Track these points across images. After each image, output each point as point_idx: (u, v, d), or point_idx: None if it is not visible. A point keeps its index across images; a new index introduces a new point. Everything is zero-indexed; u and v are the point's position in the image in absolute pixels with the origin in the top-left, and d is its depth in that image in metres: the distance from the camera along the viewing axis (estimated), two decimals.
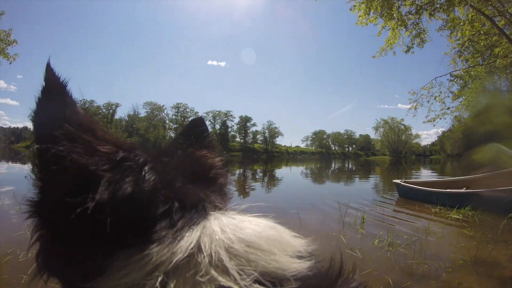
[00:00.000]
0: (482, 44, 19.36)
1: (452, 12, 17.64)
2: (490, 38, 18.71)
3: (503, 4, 15.96)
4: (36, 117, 0.65)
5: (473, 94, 21.25)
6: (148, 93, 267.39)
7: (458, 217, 8.90)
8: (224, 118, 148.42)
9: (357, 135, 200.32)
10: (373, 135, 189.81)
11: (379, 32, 17.72)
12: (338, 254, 0.62)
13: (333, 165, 61.30)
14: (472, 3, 15.58)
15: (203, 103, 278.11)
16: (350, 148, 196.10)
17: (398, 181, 13.40)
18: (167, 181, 0.67)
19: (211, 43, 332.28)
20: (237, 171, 31.96)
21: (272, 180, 23.17)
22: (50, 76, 0.68)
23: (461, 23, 18.49)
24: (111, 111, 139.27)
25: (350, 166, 57.45)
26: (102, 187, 0.58)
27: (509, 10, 15.97)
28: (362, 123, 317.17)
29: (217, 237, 0.58)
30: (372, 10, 16.14)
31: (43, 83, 0.67)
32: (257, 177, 26.30)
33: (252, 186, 18.37)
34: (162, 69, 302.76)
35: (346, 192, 16.36)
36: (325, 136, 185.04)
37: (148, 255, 0.55)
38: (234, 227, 0.61)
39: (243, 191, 15.47)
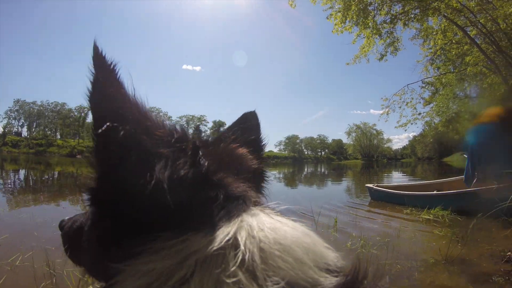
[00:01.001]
0: (453, 52, 19.86)
1: (425, 22, 18.18)
2: (462, 47, 19.23)
3: (475, 15, 16.48)
4: (95, 97, 0.65)
5: (444, 100, 22.03)
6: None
7: (428, 217, 9.07)
8: (198, 123, 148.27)
9: (329, 140, 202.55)
10: (345, 139, 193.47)
11: (354, 40, 18.04)
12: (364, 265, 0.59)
13: (306, 169, 61.57)
14: (445, 14, 15.98)
15: (177, 108, 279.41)
16: (323, 153, 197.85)
17: (370, 185, 13.60)
18: (217, 169, 0.68)
19: (186, 47, 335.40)
20: None
21: None
22: (100, 56, 0.68)
23: (434, 33, 19.05)
24: (83, 114, 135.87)
25: (322, 170, 57.84)
26: (160, 166, 0.59)
27: (480, 21, 16.43)
28: (335, 128, 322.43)
29: (254, 233, 0.57)
30: (348, 19, 16.40)
31: (95, 62, 0.67)
32: None
33: None
34: (136, 73, 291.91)
35: (319, 196, 16.47)
36: (298, 141, 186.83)
37: (184, 241, 0.55)
38: (272, 227, 0.59)
39: None
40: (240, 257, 0.52)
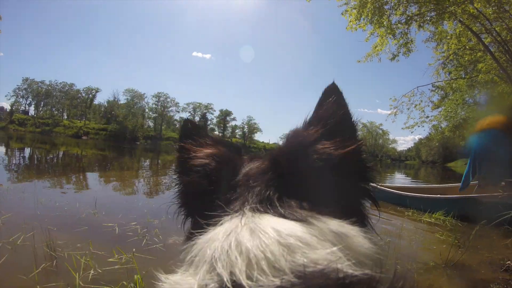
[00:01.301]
0: (466, 58, 19.52)
1: (440, 26, 17.93)
2: (475, 54, 18.90)
3: (491, 22, 16.18)
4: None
5: (453, 105, 21.65)
6: (129, 80, 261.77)
7: (430, 220, 9.13)
8: (205, 111, 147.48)
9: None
10: None
11: (367, 38, 17.79)
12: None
13: None
14: (461, 19, 15.74)
15: (185, 94, 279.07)
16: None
17: (373, 184, 13.37)
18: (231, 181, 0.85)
19: (197, 34, 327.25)
20: None
21: None
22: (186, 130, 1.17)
23: (448, 37, 18.74)
24: (90, 96, 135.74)
25: None
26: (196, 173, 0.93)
27: (496, 29, 16.17)
28: None
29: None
30: (363, 16, 16.17)
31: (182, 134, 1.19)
32: None
33: None
34: (145, 57, 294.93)
35: None
36: None
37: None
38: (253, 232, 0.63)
39: None
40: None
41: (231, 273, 0.55)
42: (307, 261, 0.55)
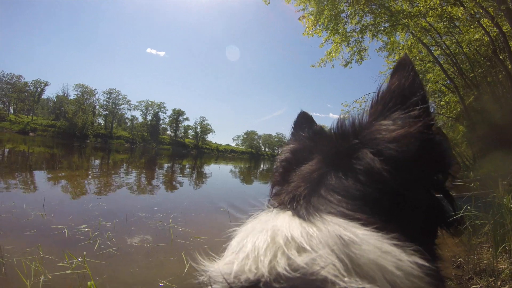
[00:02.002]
0: (416, 68, 20.02)
1: (393, 36, 18.54)
2: (424, 64, 20.22)
3: (441, 36, 17.23)
4: None
5: None
6: (80, 74, 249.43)
7: None
8: (157, 110, 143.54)
9: (287, 139, 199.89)
10: None
11: (322, 44, 18.04)
12: None
13: (262, 165, 61.82)
14: (413, 31, 16.42)
15: (137, 92, 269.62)
16: (280, 151, 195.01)
17: None
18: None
19: (152, 30, 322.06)
20: (166, 165, 31.57)
21: (203, 177, 23.12)
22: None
23: (400, 47, 19.53)
24: (39, 89, 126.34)
25: None
26: None
27: (446, 42, 17.24)
28: None
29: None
30: (319, 23, 16.37)
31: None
32: (188, 172, 26.01)
33: (180, 181, 18.26)
34: (97, 51, 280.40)
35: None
36: (256, 137, 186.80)
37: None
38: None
39: (171, 186, 15.32)
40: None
41: (229, 269, 0.61)
42: (288, 265, 0.55)
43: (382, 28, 16.34)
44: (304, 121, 1.13)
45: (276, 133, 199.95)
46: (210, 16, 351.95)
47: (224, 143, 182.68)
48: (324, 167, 0.77)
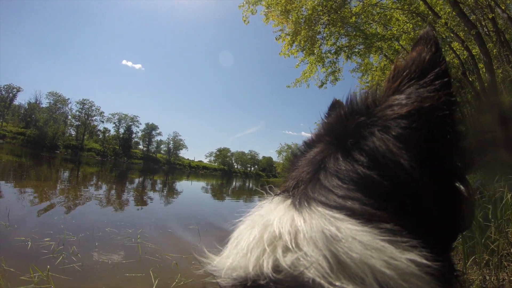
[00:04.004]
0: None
1: (367, 58, 19.26)
2: None
3: None
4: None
5: None
6: (54, 82, 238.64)
7: None
8: (130, 123, 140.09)
9: (260, 157, 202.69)
10: (275, 158, 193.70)
11: (298, 64, 18.35)
12: None
13: (234, 183, 61.97)
14: (386, 53, 16.89)
15: (111, 103, 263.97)
16: (253, 168, 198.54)
17: None
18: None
19: (129, 42, 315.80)
20: (137, 180, 31.21)
21: (173, 193, 22.82)
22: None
23: (373, 69, 20.31)
24: (11, 95, 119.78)
25: (250, 185, 58.30)
26: None
27: None
28: (267, 146, 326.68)
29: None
30: (295, 43, 16.65)
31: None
32: (159, 188, 25.65)
33: (150, 196, 17.97)
34: (73, 59, 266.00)
35: (246, 210, 16.52)
36: (229, 154, 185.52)
37: None
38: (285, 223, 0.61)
39: (141, 202, 15.09)
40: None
41: (226, 263, 0.62)
42: (273, 265, 0.55)
43: (357, 50, 16.81)
44: (333, 107, 1.05)
45: (249, 150, 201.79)
46: (188, 31, 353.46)
47: (196, 159, 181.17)
48: (327, 149, 0.72)
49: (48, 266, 4.73)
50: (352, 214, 0.57)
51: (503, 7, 12.45)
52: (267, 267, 0.54)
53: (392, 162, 0.60)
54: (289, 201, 0.67)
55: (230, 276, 0.58)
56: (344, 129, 0.71)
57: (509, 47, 14.17)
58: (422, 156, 0.62)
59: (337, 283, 0.48)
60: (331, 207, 0.59)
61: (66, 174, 27.38)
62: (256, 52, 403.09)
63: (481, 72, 12.90)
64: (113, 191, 17.93)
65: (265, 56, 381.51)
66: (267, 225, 0.62)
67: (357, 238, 0.52)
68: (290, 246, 0.55)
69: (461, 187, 0.69)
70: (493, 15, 12.81)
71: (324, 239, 0.53)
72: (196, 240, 7.88)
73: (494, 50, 14.20)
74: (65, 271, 5.01)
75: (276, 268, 0.54)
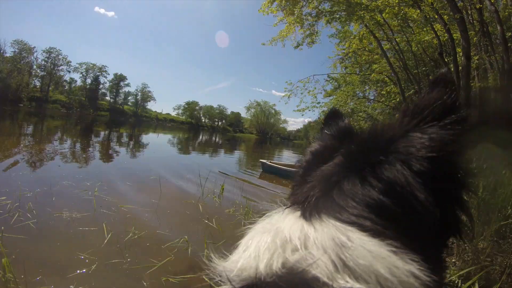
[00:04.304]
0: (364, 58, 21.64)
1: (347, 25, 19.38)
2: (372, 56, 21.16)
3: (393, 32, 18.02)
4: None
5: (343, 96, 24.38)
6: (19, 30, 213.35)
7: None
8: (98, 73, 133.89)
9: (228, 112, 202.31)
10: (244, 114, 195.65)
11: (276, 23, 18.13)
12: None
13: (201, 136, 62.15)
14: (367, 24, 17.15)
15: (80, 53, 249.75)
16: (220, 123, 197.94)
17: (264, 160, 15.43)
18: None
19: None
20: (102, 133, 30.80)
21: (137, 146, 22.67)
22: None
23: (352, 37, 20.39)
24: None
25: (217, 139, 58.64)
26: None
27: (396, 39, 17.99)
28: (236, 101, 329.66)
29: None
30: (277, 1, 16.42)
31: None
32: (123, 141, 25.42)
33: (117, 150, 17.86)
34: (40, 6, 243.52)
35: (210, 163, 17.13)
36: (197, 107, 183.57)
37: None
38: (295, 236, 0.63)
39: (106, 156, 14.96)
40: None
41: (236, 265, 0.63)
42: (282, 263, 0.57)
43: (338, 16, 16.63)
44: (333, 118, 1.09)
45: (218, 105, 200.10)
46: None
47: (164, 112, 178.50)
48: (344, 171, 0.75)
49: (3, 227, 4.63)
50: (362, 229, 0.60)
51: (492, 0, 12.63)
52: (276, 265, 0.57)
53: (409, 193, 0.65)
54: (299, 212, 0.70)
55: (240, 276, 0.60)
56: (364, 156, 0.74)
57: (490, 39, 14.59)
58: (436, 192, 0.67)
59: (341, 281, 0.52)
60: (342, 221, 0.63)
61: (29, 129, 26.65)
62: (234, 7, 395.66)
63: (458, 56, 13.11)
64: (75, 145, 17.44)
65: (243, 12, 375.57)
66: (277, 232, 0.65)
67: (365, 247, 0.56)
68: (299, 248, 0.59)
69: (462, 213, 0.75)
70: (481, 6, 13.17)
71: (333, 245, 0.57)
72: (155, 191, 7.96)
73: (475, 39, 14.61)
74: (20, 229, 4.93)
75: (283, 265, 0.57)
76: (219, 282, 0.62)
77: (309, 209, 0.69)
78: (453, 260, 4.06)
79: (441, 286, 0.65)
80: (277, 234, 0.64)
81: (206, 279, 3.76)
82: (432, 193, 0.66)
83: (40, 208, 5.84)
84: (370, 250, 0.56)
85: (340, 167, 0.77)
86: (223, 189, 8.75)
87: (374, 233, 0.60)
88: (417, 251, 0.59)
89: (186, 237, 5.10)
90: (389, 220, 0.63)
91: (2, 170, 8.70)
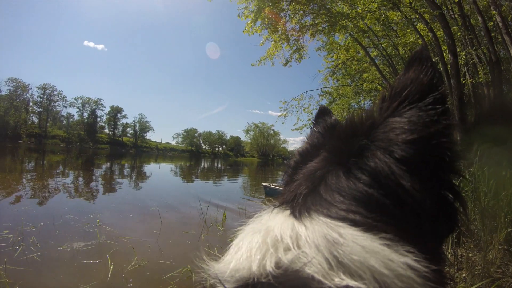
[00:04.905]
0: (353, 68, 21.83)
1: (332, 37, 19.39)
2: (362, 65, 21.24)
3: (378, 38, 18.21)
4: None
5: (339, 109, 24.44)
6: (13, 69, 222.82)
7: None
8: (94, 107, 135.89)
9: (227, 136, 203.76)
10: (243, 137, 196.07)
11: (262, 42, 18.26)
12: None
13: (202, 163, 61.99)
14: (351, 33, 17.27)
15: (73, 87, 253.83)
16: (221, 148, 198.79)
17: (266, 184, 14.97)
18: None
19: (90, 21, 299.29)
20: (104, 166, 30.76)
21: (139, 177, 22.57)
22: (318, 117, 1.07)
23: (338, 47, 20.55)
24: None
25: (219, 165, 58.43)
26: None
27: (382, 45, 18.25)
28: (234, 125, 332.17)
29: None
30: (259, 20, 16.52)
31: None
32: (124, 173, 25.29)
33: (119, 182, 17.71)
34: (31, 43, 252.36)
35: (214, 191, 16.70)
36: (196, 134, 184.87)
37: None
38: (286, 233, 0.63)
39: (109, 188, 14.87)
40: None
41: (229, 267, 0.63)
42: (274, 263, 0.56)
43: (321, 28, 16.75)
44: (321, 115, 1.08)
45: (217, 130, 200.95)
46: (152, 7, 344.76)
47: (163, 141, 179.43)
48: (328, 165, 0.74)
49: (6, 259, 4.64)
50: (353, 224, 0.60)
51: None
52: (270, 265, 0.56)
53: (394, 183, 0.64)
54: (288, 211, 0.70)
55: (234, 277, 0.60)
56: (346, 148, 0.73)
57: (473, 31, 14.66)
58: (423, 178, 0.65)
59: (336, 279, 0.51)
60: (332, 217, 0.62)
61: (31, 164, 26.64)
62: (221, 31, 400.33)
63: (444, 54, 13.17)
64: (77, 179, 17.43)
65: (230, 35, 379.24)
66: (268, 231, 0.64)
67: (358, 242, 0.55)
68: (292, 247, 0.58)
69: (453, 197, 0.72)
70: None
71: (325, 243, 0.56)
72: (156, 222, 7.92)
73: (459, 33, 14.73)
74: (24, 261, 4.93)
75: (277, 265, 0.56)
76: (214, 284, 0.62)
77: (298, 207, 0.68)
78: (463, 276, 3.99)
79: (441, 275, 0.63)
80: (268, 233, 0.64)
81: None
82: (419, 180, 0.64)
83: (44, 241, 5.84)
84: (363, 245, 0.55)
85: (324, 161, 0.77)
86: (225, 216, 8.74)
87: (365, 227, 0.59)
88: (411, 242, 0.58)
89: (189, 266, 5.02)
90: (378, 212, 0.62)
91: (6, 205, 8.74)
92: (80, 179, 17.40)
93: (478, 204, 4.66)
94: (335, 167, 0.71)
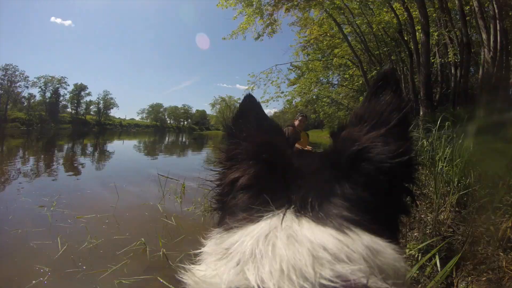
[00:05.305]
0: (325, 43, 22.16)
1: (307, 12, 19.58)
2: (334, 40, 21.54)
3: (354, 16, 18.51)
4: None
5: (307, 83, 24.81)
6: None
7: None
8: (57, 85, 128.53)
9: (194, 110, 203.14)
10: (209, 111, 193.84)
11: (235, 16, 18.25)
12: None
13: (167, 138, 61.78)
14: (327, 9, 17.23)
15: (37, 66, 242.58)
16: (186, 123, 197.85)
17: None
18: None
19: None
20: (65, 146, 30.21)
21: (100, 156, 22.15)
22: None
23: (312, 23, 21.04)
24: None
25: (183, 139, 58.37)
26: None
27: (357, 22, 18.36)
28: (200, 99, 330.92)
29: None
30: None
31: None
32: (86, 152, 24.63)
33: (79, 162, 17.27)
34: None
35: (174, 164, 17.31)
36: (161, 109, 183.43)
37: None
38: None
39: (68, 168, 14.56)
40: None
41: (262, 280, 0.53)
42: (333, 275, 0.53)
43: (296, 3, 16.78)
44: (250, 109, 1.01)
45: (183, 104, 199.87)
46: None
47: (128, 117, 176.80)
48: (320, 172, 0.77)
49: None
50: (376, 233, 0.63)
51: None
52: (327, 278, 0.53)
53: (377, 188, 0.72)
54: (281, 213, 0.66)
55: None
56: (337, 161, 0.76)
57: (449, 14, 15.01)
58: (394, 183, 0.75)
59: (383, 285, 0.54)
60: (357, 224, 0.63)
61: None
62: (191, 3, 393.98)
63: (417, 33, 13.51)
64: (36, 162, 16.80)
65: (200, 8, 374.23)
66: (307, 241, 0.59)
67: (389, 250, 0.61)
68: (344, 259, 0.56)
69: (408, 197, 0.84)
70: None
71: (370, 253, 0.58)
72: (114, 197, 7.90)
73: (434, 14, 15.17)
74: None
75: (336, 276, 0.53)
76: None
77: (294, 207, 0.67)
78: (415, 234, 4.10)
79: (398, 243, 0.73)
80: (310, 244, 0.58)
81: (160, 279, 3.91)
82: (392, 185, 0.74)
83: None
84: (391, 253, 0.61)
85: (314, 168, 0.80)
86: (183, 187, 8.80)
87: (372, 231, 0.63)
88: (389, 236, 0.65)
89: (143, 239, 5.04)
90: (374, 216, 0.67)
91: None
92: (40, 163, 16.83)
93: (433, 170, 4.96)
94: (327, 174, 0.75)
